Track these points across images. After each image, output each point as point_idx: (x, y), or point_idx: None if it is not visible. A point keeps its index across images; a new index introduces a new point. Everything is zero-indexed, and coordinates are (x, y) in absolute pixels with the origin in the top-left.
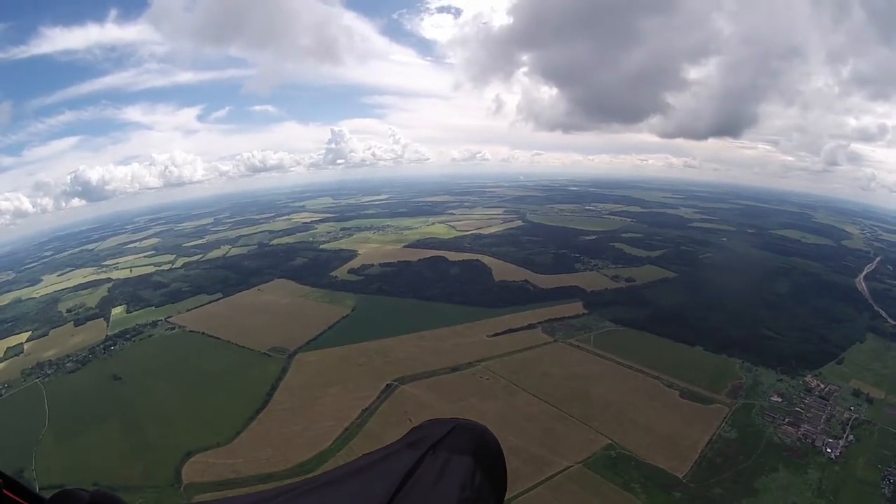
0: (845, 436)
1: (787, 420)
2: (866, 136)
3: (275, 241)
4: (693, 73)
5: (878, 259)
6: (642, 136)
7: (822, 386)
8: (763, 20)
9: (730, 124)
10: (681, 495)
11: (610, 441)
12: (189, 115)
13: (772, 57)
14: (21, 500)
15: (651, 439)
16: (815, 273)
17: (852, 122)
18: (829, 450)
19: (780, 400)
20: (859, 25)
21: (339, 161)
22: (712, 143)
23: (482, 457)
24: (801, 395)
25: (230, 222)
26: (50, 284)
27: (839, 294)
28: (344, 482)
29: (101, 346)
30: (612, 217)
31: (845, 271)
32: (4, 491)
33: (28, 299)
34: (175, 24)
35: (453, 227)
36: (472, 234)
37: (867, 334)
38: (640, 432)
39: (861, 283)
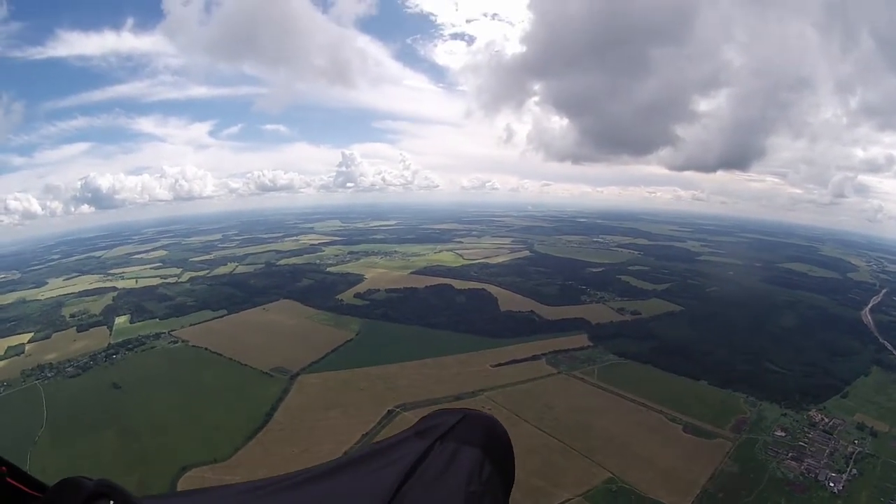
0: (849, 469)
1: (790, 454)
2: (874, 167)
3: (282, 262)
4: (703, 104)
5: (883, 291)
6: (651, 168)
7: (827, 420)
8: (773, 51)
9: (739, 157)
10: None
11: (611, 474)
12: (201, 129)
13: (781, 88)
14: (24, 488)
15: (653, 473)
16: (821, 306)
17: (860, 153)
18: (831, 484)
19: (783, 434)
20: (867, 54)
21: (349, 184)
22: (721, 175)
23: (491, 448)
24: (805, 429)
25: (238, 240)
26: (55, 288)
27: (845, 327)
28: (352, 469)
29: (103, 354)
30: (619, 249)
31: (851, 304)
32: (8, 479)
33: (32, 301)
34: (189, 37)
35: (461, 256)
36: (479, 262)
37: (872, 367)
38: (642, 466)
39: (867, 316)
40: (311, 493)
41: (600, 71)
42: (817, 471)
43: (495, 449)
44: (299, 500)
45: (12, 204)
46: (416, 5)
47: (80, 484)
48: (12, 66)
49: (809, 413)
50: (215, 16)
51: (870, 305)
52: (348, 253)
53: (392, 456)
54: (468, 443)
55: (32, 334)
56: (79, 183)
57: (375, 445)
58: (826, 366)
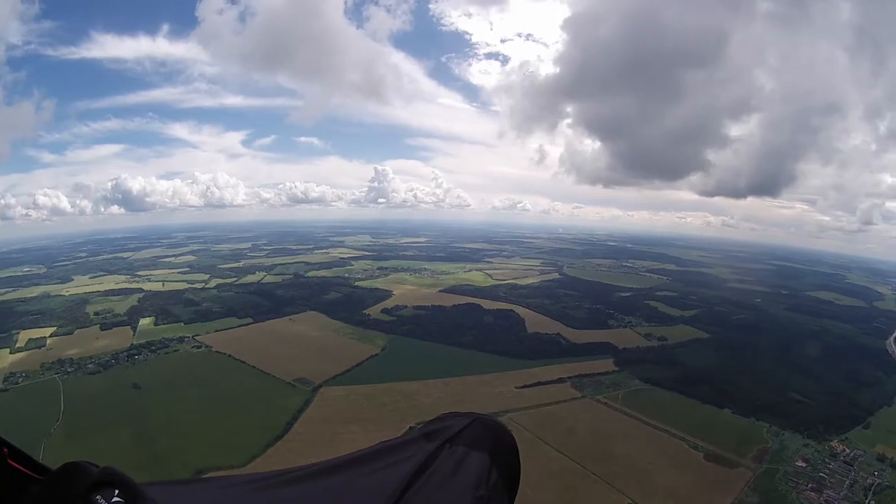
0: (867, 501)
1: (810, 486)
2: None
3: (310, 273)
4: (734, 130)
5: None
6: (682, 193)
7: (848, 451)
8: (803, 75)
9: (769, 183)
10: None
11: (630, 501)
12: (234, 138)
13: (811, 113)
14: (26, 470)
15: (673, 502)
16: (847, 335)
17: (888, 179)
18: None
19: (804, 465)
20: None
21: (380, 200)
22: (751, 201)
23: (499, 454)
24: (826, 459)
25: (267, 249)
26: (80, 285)
27: (869, 356)
28: (360, 466)
29: (125, 354)
30: (648, 274)
31: (876, 333)
32: (9, 461)
33: (56, 296)
34: (223, 46)
35: (490, 276)
36: (508, 283)
37: (895, 398)
38: (662, 494)
39: (891, 346)
40: (318, 488)
41: (633, 94)
42: (836, 502)
43: (503, 455)
44: (306, 493)
45: (41, 199)
46: (452, 24)
47: (85, 469)
48: (45, 63)
49: (831, 443)
50: (249, 26)
51: (894, 335)
52: (377, 268)
53: (400, 456)
54: (476, 447)
55: (55, 329)
56: (109, 183)
57: (384, 444)
58: (850, 395)
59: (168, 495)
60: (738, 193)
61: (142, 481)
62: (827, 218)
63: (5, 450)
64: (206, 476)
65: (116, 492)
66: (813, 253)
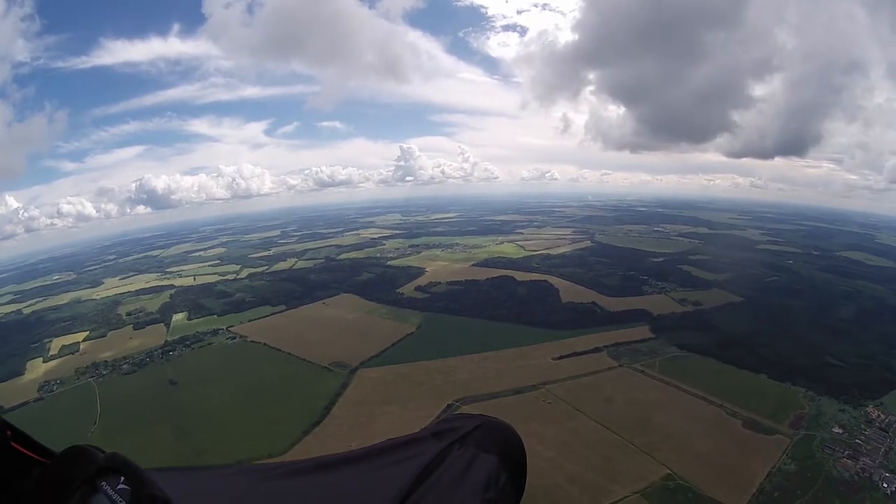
0: None
1: (846, 453)
2: None
3: (342, 256)
4: (758, 89)
5: None
6: (709, 155)
7: (883, 416)
8: (824, 34)
9: (795, 142)
10: None
11: (669, 471)
12: (256, 129)
13: (834, 72)
14: (30, 454)
15: (710, 470)
16: (879, 296)
17: None
18: (885, 485)
19: (840, 431)
20: None
21: (407, 178)
22: (778, 162)
23: (507, 457)
24: (862, 426)
25: (297, 235)
26: (111, 287)
27: None
28: (368, 462)
29: (160, 351)
30: (680, 238)
31: None
32: (13, 444)
33: (87, 300)
34: (234, 39)
35: (522, 247)
36: (540, 254)
37: None
38: (700, 462)
39: None
40: (327, 481)
41: (654, 57)
42: (872, 470)
43: (511, 458)
44: (314, 485)
45: (65, 207)
46: None
47: (91, 454)
48: (56, 75)
49: (867, 409)
50: (258, 17)
51: None
52: (409, 246)
53: (409, 453)
54: (486, 449)
55: (88, 333)
56: (133, 185)
57: (392, 441)
58: (884, 359)
59: (175, 482)
60: (765, 154)
61: (147, 467)
62: (854, 177)
63: (9, 432)
64: (213, 465)
65: (122, 478)
66: (841, 212)
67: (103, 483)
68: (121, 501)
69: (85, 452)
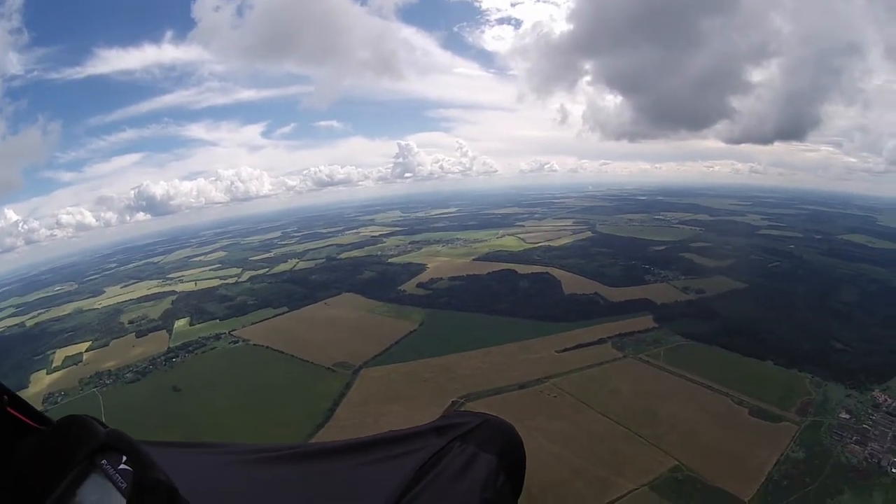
0: None
1: (854, 438)
2: None
3: (343, 255)
4: (756, 75)
5: None
6: (708, 142)
7: (890, 401)
8: (819, 17)
9: (794, 127)
10: None
11: (677, 462)
12: (253, 131)
13: (831, 55)
14: (26, 420)
15: (718, 460)
16: (883, 279)
17: None
18: (894, 470)
19: (848, 417)
20: None
21: (406, 175)
22: (777, 146)
23: (507, 457)
24: (869, 411)
25: (298, 236)
26: (113, 296)
27: None
28: (367, 452)
29: (163, 358)
30: (681, 226)
31: None
32: (8, 409)
33: (89, 310)
34: (224, 42)
35: (523, 240)
36: (541, 246)
37: None
38: (708, 453)
39: None
40: (325, 468)
41: (651, 45)
42: (880, 455)
43: (511, 458)
44: (312, 471)
45: (64, 218)
46: None
47: (91, 427)
48: (50, 87)
49: (873, 393)
50: (247, 18)
51: None
52: (410, 243)
53: (409, 447)
54: (486, 448)
55: (90, 343)
56: (132, 192)
57: (394, 433)
58: (889, 343)
59: (173, 458)
60: (764, 139)
61: (146, 441)
62: (854, 160)
63: (5, 396)
64: (212, 441)
65: (124, 458)
66: (841, 195)
67: (104, 461)
68: (122, 483)
69: (85, 424)
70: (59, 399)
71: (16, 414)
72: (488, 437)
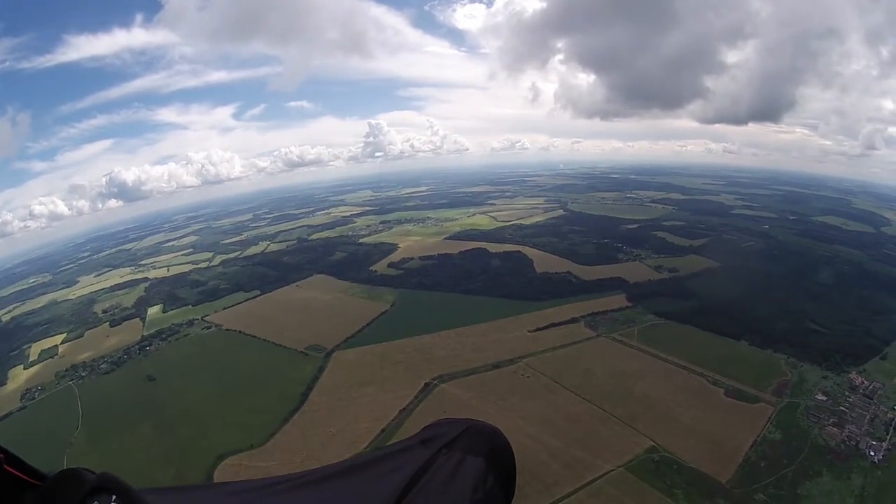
0: (888, 438)
1: (831, 420)
2: None
3: (314, 236)
4: (731, 56)
5: None
6: (682, 121)
7: (867, 383)
8: (799, 0)
9: (769, 108)
10: (723, 502)
11: (653, 443)
12: (224, 113)
13: (809, 38)
14: (23, 476)
15: (695, 441)
16: (858, 261)
17: (890, 104)
18: (871, 453)
19: (824, 398)
20: None
21: (377, 154)
22: (752, 127)
23: (494, 459)
24: (846, 393)
25: (269, 218)
26: (86, 286)
27: (881, 284)
28: (357, 473)
29: (137, 347)
30: (653, 205)
31: (887, 259)
32: (5, 466)
33: (63, 301)
34: (190, 24)
35: (494, 218)
36: (513, 224)
37: None
38: (684, 434)
39: None
40: (315, 496)
41: (625, 24)
42: (858, 438)
43: (498, 459)
44: (305, 500)
45: (37, 209)
46: None
47: (82, 476)
48: (21, 76)
49: (850, 375)
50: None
51: None
52: (381, 222)
53: (397, 462)
54: (472, 452)
55: (65, 335)
56: (104, 179)
57: (380, 451)
58: (865, 325)
59: (165, 502)
60: (738, 119)
61: (140, 488)
62: (829, 143)
63: (2, 455)
64: (202, 483)
65: (114, 497)
66: (816, 177)
67: (94, 502)
68: None
69: (76, 475)
70: (37, 394)
71: (13, 471)
72: (474, 441)
